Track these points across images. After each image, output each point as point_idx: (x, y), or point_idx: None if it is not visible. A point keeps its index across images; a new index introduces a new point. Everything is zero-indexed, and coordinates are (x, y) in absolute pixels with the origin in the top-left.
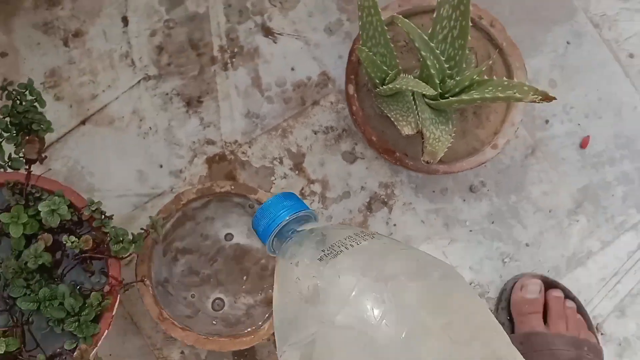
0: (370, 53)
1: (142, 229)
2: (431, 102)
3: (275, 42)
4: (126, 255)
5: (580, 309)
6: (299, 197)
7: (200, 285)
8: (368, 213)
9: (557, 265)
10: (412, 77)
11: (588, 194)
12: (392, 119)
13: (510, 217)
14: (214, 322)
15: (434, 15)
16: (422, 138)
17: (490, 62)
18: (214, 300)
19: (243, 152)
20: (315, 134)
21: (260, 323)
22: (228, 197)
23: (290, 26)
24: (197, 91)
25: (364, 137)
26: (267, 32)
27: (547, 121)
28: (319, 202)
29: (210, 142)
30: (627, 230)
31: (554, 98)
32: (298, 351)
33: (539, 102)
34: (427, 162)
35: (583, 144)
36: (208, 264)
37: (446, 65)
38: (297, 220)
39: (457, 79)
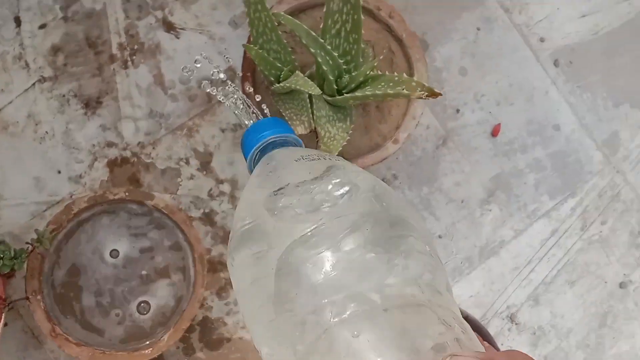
0: (261, 50)
1: (27, 242)
2: (328, 98)
3: (178, 37)
4: (7, 272)
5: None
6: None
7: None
8: None
9: (470, 255)
10: (302, 76)
11: (500, 183)
12: (286, 118)
13: (422, 209)
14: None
15: (324, 9)
16: (317, 137)
17: (381, 57)
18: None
19: (147, 154)
20: (223, 132)
21: (160, 335)
22: (123, 204)
23: (193, 20)
24: (96, 92)
25: None
26: (169, 27)
27: (458, 110)
28: (228, 202)
29: (111, 145)
30: (540, 218)
31: (440, 94)
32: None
33: (425, 98)
34: None
35: (494, 132)
36: (98, 280)
37: (342, 60)
38: (281, 142)
39: (354, 74)
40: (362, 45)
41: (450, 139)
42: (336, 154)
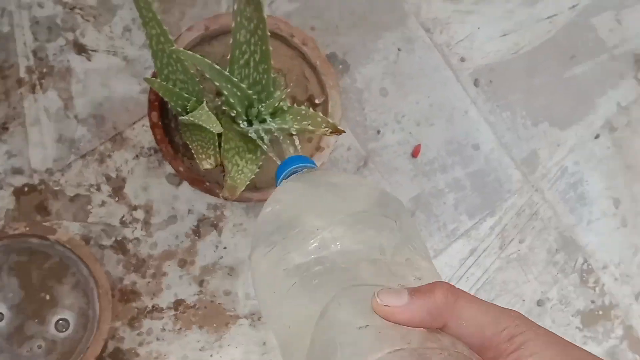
0: (165, 82)
1: None
2: (239, 129)
3: (90, 60)
4: None
5: None
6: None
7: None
8: (196, 237)
9: None
10: (206, 110)
11: (420, 203)
12: (193, 151)
13: None
14: None
15: (231, 41)
16: (224, 171)
17: (288, 90)
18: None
19: (55, 181)
20: (136, 157)
21: None
22: (23, 239)
23: (105, 42)
24: (2, 117)
25: (172, 167)
26: (80, 49)
27: (378, 131)
28: (141, 230)
29: (18, 172)
30: (459, 238)
31: (343, 131)
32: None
33: (329, 135)
34: (226, 198)
35: (415, 153)
36: None
37: (252, 91)
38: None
39: (263, 105)
40: (273, 75)
41: (371, 159)
42: (243, 188)
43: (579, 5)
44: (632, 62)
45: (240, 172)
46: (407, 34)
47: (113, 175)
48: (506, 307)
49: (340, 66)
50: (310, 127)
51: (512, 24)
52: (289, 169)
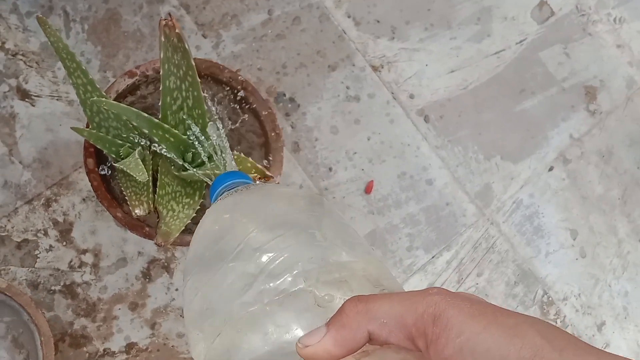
0: (95, 130)
1: None
2: (177, 174)
3: (34, 105)
4: None
5: None
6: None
7: None
8: (147, 280)
9: None
10: (135, 158)
11: (376, 239)
12: (126, 198)
13: None
14: None
15: (161, 87)
16: (158, 217)
17: (216, 137)
18: None
19: (1, 227)
20: (84, 200)
21: None
22: None
23: (50, 87)
24: None
25: (110, 213)
26: (24, 95)
27: (330, 169)
28: (90, 274)
29: None
30: (416, 272)
31: (272, 177)
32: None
33: (259, 180)
34: (159, 245)
35: (368, 189)
36: None
37: (185, 136)
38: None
39: (199, 149)
40: (210, 119)
41: (324, 197)
42: (177, 233)
43: (526, 40)
44: (583, 94)
45: (175, 217)
46: (355, 73)
47: (60, 219)
48: (424, 288)
49: (289, 105)
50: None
51: (460, 60)
52: (221, 187)
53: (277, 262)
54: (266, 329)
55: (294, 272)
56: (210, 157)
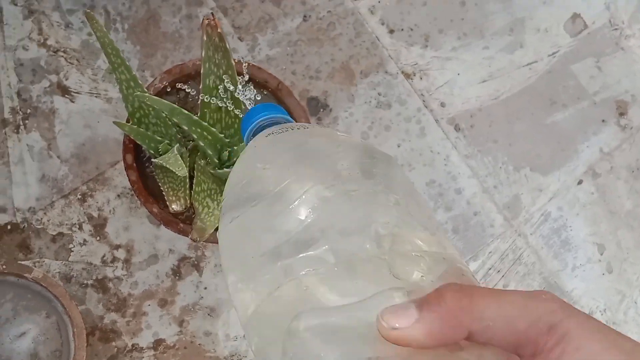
0: (136, 125)
1: None
2: (212, 172)
3: (73, 102)
4: None
5: None
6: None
7: None
8: (177, 277)
9: None
10: (174, 154)
11: None
12: (164, 193)
13: None
14: None
15: (201, 86)
16: (194, 213)
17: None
18: None
19: (38, 220)
20: (118, 197)
21: None
22: (2, 276)
23: (89, 84)
24: None
25: (145, 208)
26: (64, 91)
27: None
28: (122, 269)
29: (1, 210)
30: None
31: None
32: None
33: None
34: (195, 240)
35: None
36: None
37: (223, 134)
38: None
39: (234, 149)
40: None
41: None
42: (212, 230)
43: (558, 52)
44: (614, 108)
45: (210, 214)
46: (387, 79)
47: (95, 214)
48: (533, 290)
49: (322, 110)
50: None
51: (492, 70)
52: (256, 120)
53: (348, 219)
54: (337, 292)
55: (366, 235)
56: None
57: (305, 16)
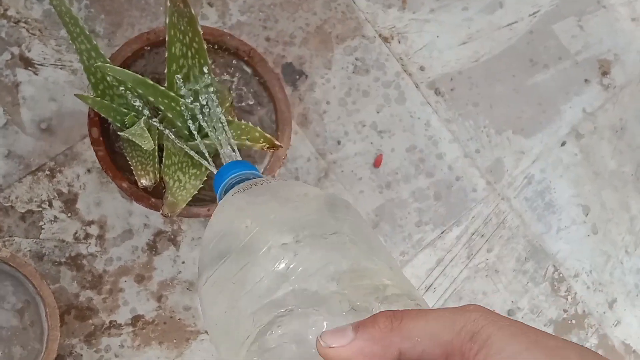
0: (99, 98)
1: None
2: (182, 144)
3: (37, 74)
4: None
5: None
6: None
7: None
8: (152, 253)
9: None
10: (140, 126)
11: (384, 214)
12: (132, 167)
13: None
14: None
15: (166, 55)
16: (164, 187)
17: (228, 104)
18: None
19: (5, 197)
20: (88, 171)
21: None
22: None
23: (53, 55)
24: None
25: (115, 184)
26: (27, 63)
27: (339, 142)
28: (96, 245)
29: None
30: (425, 248)
31: (280, 146)
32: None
33: (267, 150)
34: (166, 216)
35: (377, 163)
36: None
37: (193, 105)
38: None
39: (207, 118)
40: (219, 87)
41: (332, 171)
42: (184, 204)
43: (539, 12)
44: (597, 67)
45: (182, 187)
46: (365, 44)
47: (65, 190)
48: (461, 305)
49: (298, 77)
50: (248, 142)
51: (472, 32)
52: (228, 178)
53: (306, 264)
54: (299, 331)
55: (325, 275)
56: (214, 128)
57: None
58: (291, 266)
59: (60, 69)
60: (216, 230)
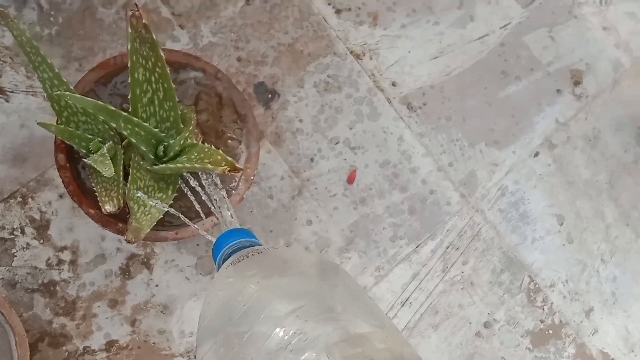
0: (62, 126)
1: None
2: (149, 168)
3: (8, 101)
4: None
5: None
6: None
7: None
8: (126, 277)
9: None
10: (101, 153)
11: (359, 230)
12: (97, 193)
13: None
14: None
15: (129, 80)
16: (129, 212)
17: (191, 127)
18: None
19: None
20: (60, 197)
21: None
22: None
23: (24, 82)
24: None
25: (82, 210)
26: None
27: (312, 159)
28: (69, 271)
29: None
30: (400, 262)
31: (241, 169)
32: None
33: (228, 173)
34: (130, 242)
35: (350, 179)
36: None
37: (158, 129)
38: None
39: (170, 143)
40: (184, 110)
41: (305, 188)
42: (148, 229)
43: (510, 24)
44: (569, 77)
45: (147, 212)
46: (336, 61)
47: (37, 216)
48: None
49: (269, 95)
50: (209, 166)
51: (443, 46)
52: (224, 247)
53: (299, 337)
54: None
55: (317, 348)
56: (182, 151)
57: (248, 0)
58: (282, 342)
59: (32, 95)
60: (213, 302)
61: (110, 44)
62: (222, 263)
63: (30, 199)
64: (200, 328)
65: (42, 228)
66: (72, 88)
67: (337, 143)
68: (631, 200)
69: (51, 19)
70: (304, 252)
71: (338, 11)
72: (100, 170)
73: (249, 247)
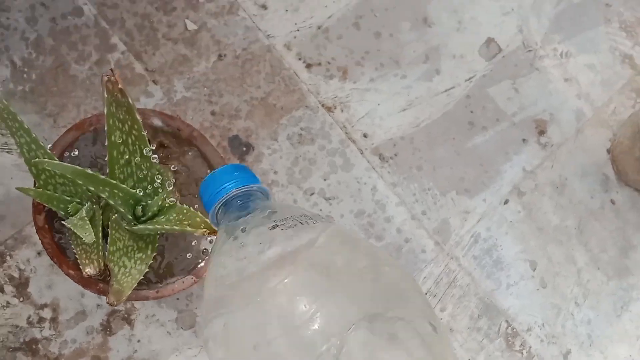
0: (40, 190)
1: None
2: (128, 228)
3: None
4: None
5: None
6: (249, 170)
7: None
8: (107, 333)
9: None
10: (81, 216)
11: None
12: (77, 257)
13: None
14: None
15: (106, 142)
16: (109, 274)
17: (170, 187)
18: None
19: None
20: (39, 254)
21: None
22: None
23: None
24: None
25: (62, 271)
26: None
27: None
28: (50, 329)
29: None
30: None
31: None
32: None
33: (207, 236)
34: (112, 305)
35: None
36: None
37: (136, 190)
38: (245, 194)
39: (149, 203)
40: (162, 170)
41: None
42: (129, 291)
43: (475, 76)
44: (533, 127)
45: (127, 274)
46: (309, 114)
47: (15, 275)
48: None
49: (244, 148)
50: (189, 228)
51: (411, 98)
52: (222, 196)
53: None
54: None
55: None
56: (161, 211)
57: (220, 55)
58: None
59: (7, 152)
60: (230, 274)
61: (84, 100)
62: (225, 209)
63: (8, 257)
64: (208, 301)
65: (21, 286)
66: (49, 152)
67: (312, 194)
68: (600, 245)
69: (24, 75)
70: (376, 250)
71: (309, 65)
72: (81, 236)
73: (265, 199)
